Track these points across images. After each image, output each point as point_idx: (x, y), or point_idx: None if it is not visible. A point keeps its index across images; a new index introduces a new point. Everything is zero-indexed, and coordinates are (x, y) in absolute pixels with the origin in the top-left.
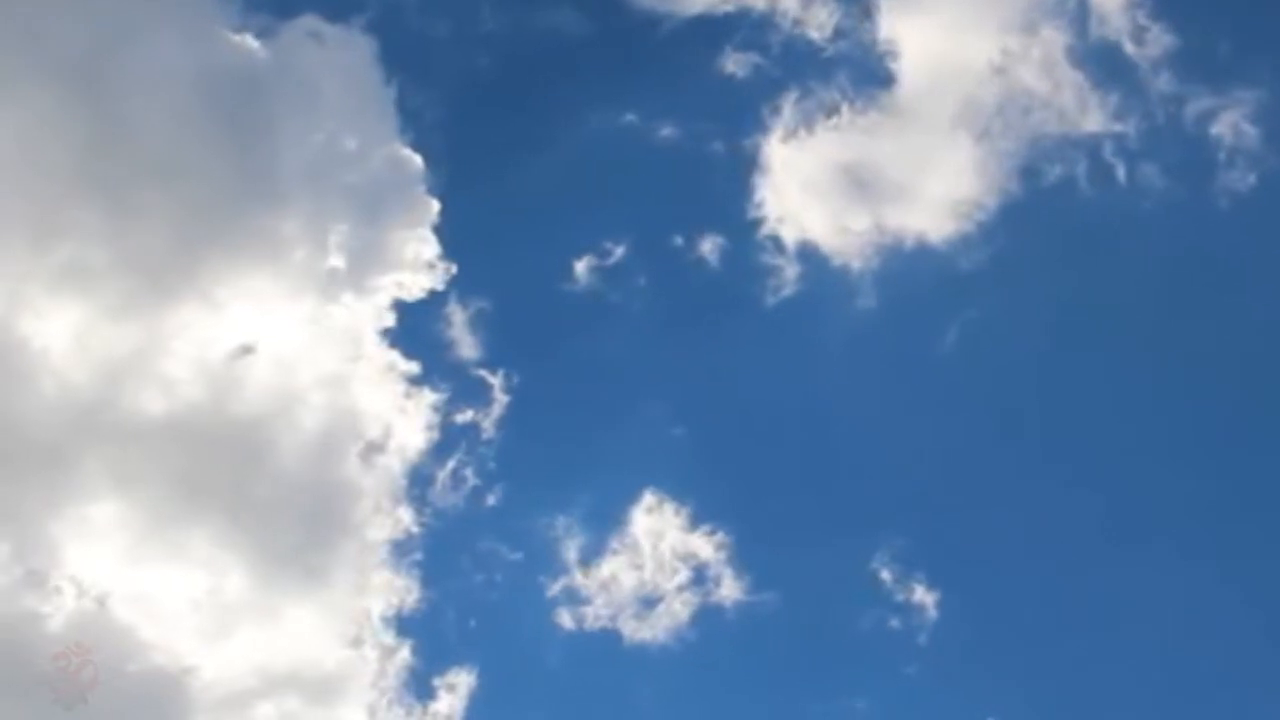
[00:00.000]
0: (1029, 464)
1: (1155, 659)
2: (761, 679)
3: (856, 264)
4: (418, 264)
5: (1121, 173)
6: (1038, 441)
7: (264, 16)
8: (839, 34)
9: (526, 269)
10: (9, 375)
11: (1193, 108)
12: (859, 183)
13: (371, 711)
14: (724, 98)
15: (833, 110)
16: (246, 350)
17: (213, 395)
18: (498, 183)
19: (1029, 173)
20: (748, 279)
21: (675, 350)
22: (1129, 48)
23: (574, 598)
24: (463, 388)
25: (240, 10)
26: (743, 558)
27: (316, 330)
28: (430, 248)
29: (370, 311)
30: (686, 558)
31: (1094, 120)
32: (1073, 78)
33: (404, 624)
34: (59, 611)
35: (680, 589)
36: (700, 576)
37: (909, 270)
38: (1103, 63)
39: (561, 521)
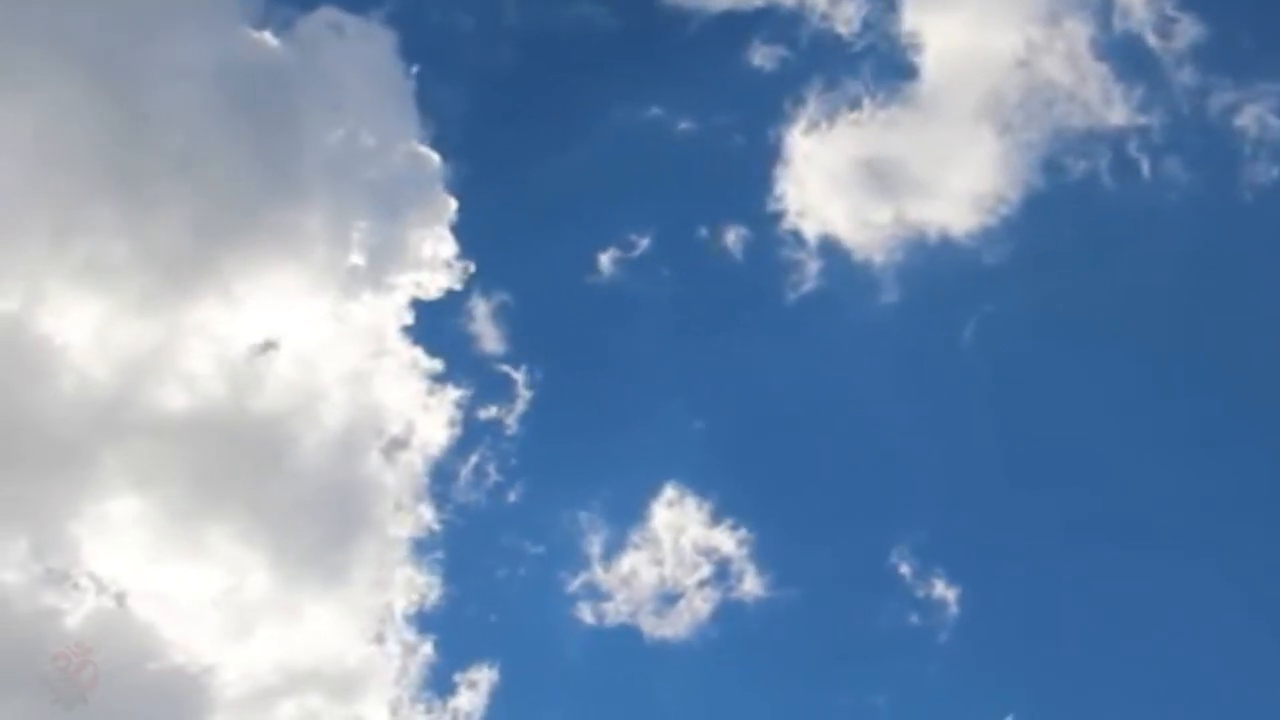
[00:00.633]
0: (1052, 460)
1: (1180, 658)
2: (782, 675)
3: (879, 258)
4: (436, 262)
5: (1145, 166)
6: (1060, 437)
7: (284, 9)
8: (866, 26)
9: (550, 263)
10: (28, 371)
11: (1216, 100)
12: (882, 176)
13: (394, 708)
14: (749, 91)
15: (856, 103)
16: (267, 347)
17: (233, 392)
18: (522, 176)
19: (1052, 166)
20: (771, 272)
21: (698, 343)
22: (1153, 40)
23: (595, 593)
24: (485, 384)
25: (261, 2)
26: (764, 553)
27: (338, 326)
28: (449, 246)
29: (392, 308)
30: (708, 552)
31: (1118, 113)
32: (1096, 70)
33: (426, 621)
34: (78, 609)
35: (701, 584)
36: (722, 572)
37: (931, 264)
38: (1126, 55)
39: (583, 516)
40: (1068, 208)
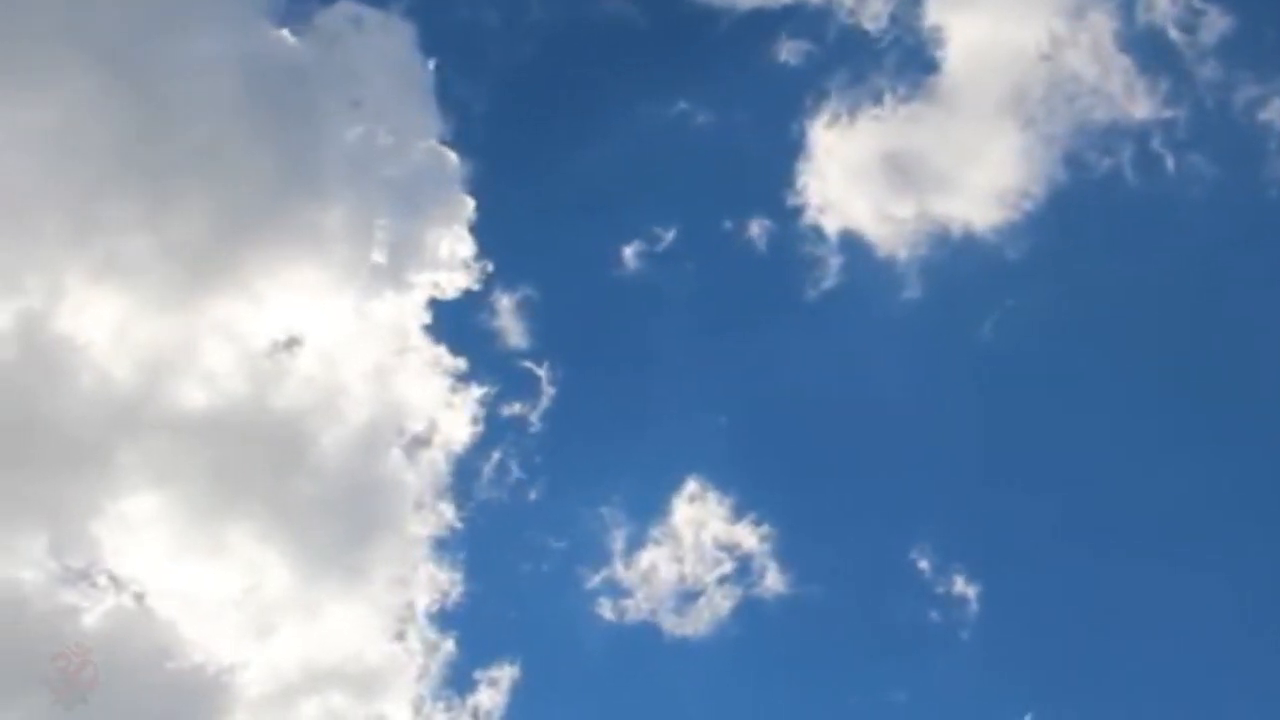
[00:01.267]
0: (1074, 457)
1: (1203, 659)
2: (803, 673)
3: (902, 253)
4: (454, 261)
5: (1169, 161)
6: (1083, 434)
7: (304, 2)
8: (893, 21)
9: (573, 257)
10: (48, 369)
11: (1241, 95)
12: (906, 170)
13: (416, 706)
14: (773, 85)
15: (879, 97)
16: (288, 344)
17: (254, 389)
18: (545, 170)
19: (1075, 161)
20: (794, 267)
21: (721, 337)
22: (1178, 33)
23: (616, 590)
24: (508, 380)
25: None
26: (786, 549)
27: (359, 324)
28: (470, 243)
29: (413, 305)
30: (730, 548)
31: (1142, 107)
32: (1120, 64)
33: (447, 618)
34: (97, 607)
35: (722, 581)
36: (744, 568)
37: (954, 260)
38: (1151, 49)
39: (605, 512)
40: (1091, 203)
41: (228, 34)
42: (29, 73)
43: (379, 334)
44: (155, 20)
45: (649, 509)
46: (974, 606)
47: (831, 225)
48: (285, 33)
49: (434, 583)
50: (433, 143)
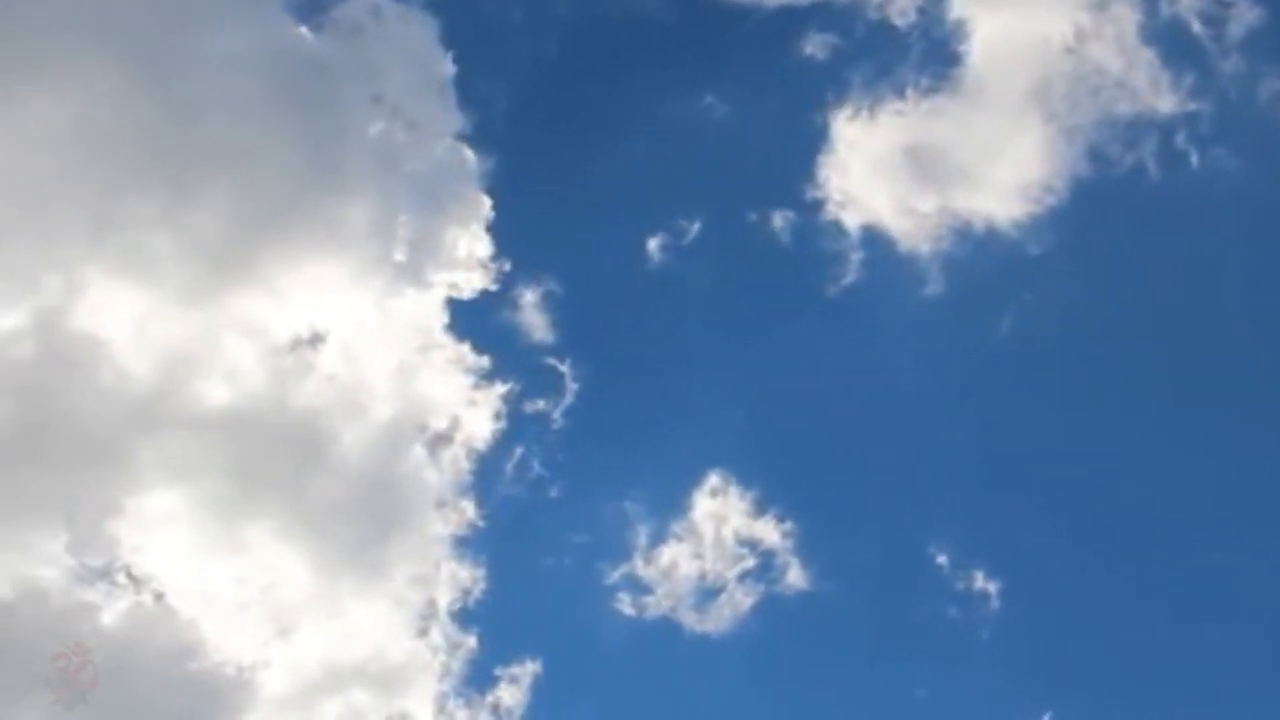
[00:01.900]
0: (1097, 454)
1: (1227, 658)
2: (824, 671)
3: (925, 247)
4: (472, 260)
5: (1194, 154)
6: (1106, 430)
7: None
8: (921, 14)
9: (596, 250)
10: (67, 365)
11: (1266, 88)
12: (929, 164)
13: (438, 704)
14: (798, 78)
15: (903, 91)
16: (310, 340)
17: (275, 386)
18: (569, 164)
19: (1099, 155)
20: (817, 260)
21: (745, 330)
22: (1203, 27)
23: (638, 587)
24: (531, 377)
25: None
26: (807, 545)
27: (380, 321)
28: (490, 240)
29: (434, 302)
30: (751, 543)
31: (1166, 101)
32: (1145, 57)
33: (469, 616)
34: (117, 606)
35: (742, 577)
36: (766, 564)
37: (976, 254)
38: (1175, 42)
39: (628, 507)
40: (1114, 197)
41: (248, 28)
42: (49, 68)
43: (401, 331)
44: (176, 15)
45: (670, 504)
46: (995, 604)
47: (854, 219)
48: (305, 27)
49: (456, 580)
50: (453, 139)
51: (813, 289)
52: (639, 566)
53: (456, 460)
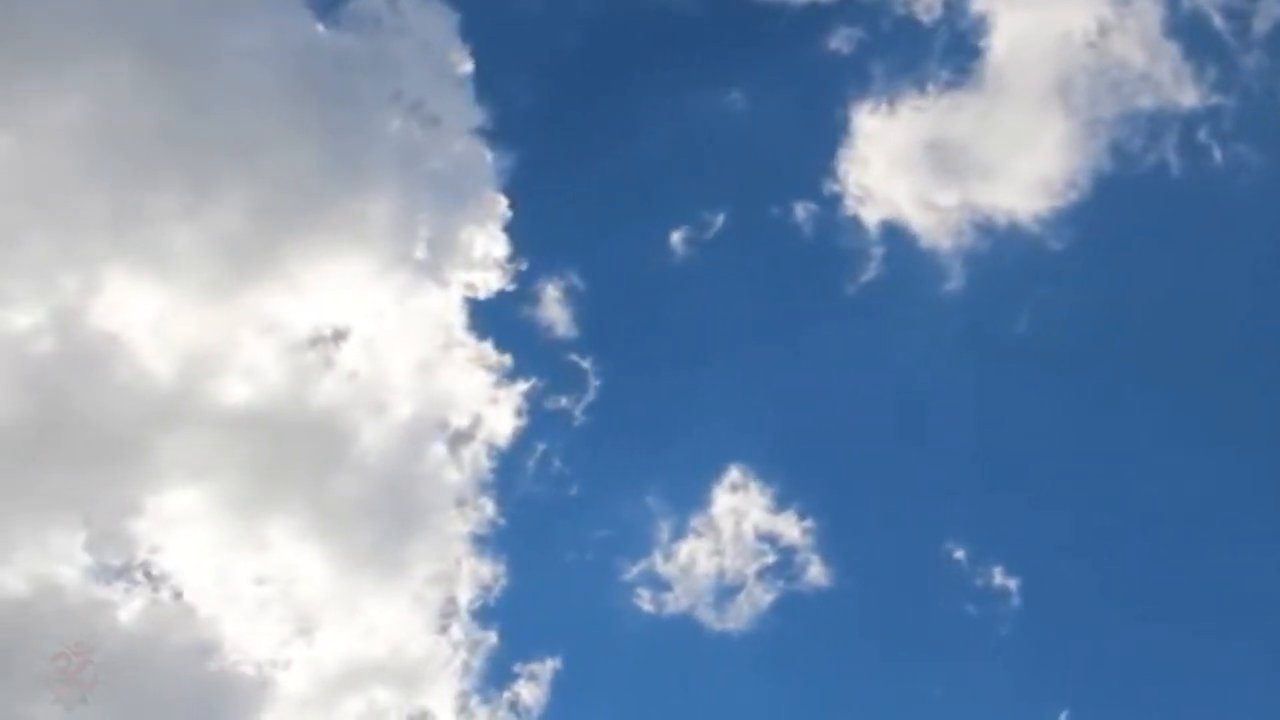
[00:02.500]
0: (1121, 450)
1: (1250, 658)
2: (842, 669)
3: (946, 242)
4: (488, 260)
5: (1216, 149)
6: (1128, 426)
7: None
8: (947, 8)
9: (618, 245)
10: (86, 362)
11: None
12: (950, 159)
13: (459, 701)
14: (823, 74)
15: (925, 85)
16: (330, 337)
17: (296, 383)
18: (591, 159)
19: (1121, 150)
20: (838, 255)
21: (766, 324)
22: (1226, 21)
23: (658, 583)
24: (553, 374)
25: None
26: (827, 542)
27: (401, 318)
28: (509, 238)
29: (456, 298)
30: (771, 539)
31: (1189, 96)
32: (1167, 51)
33: (490, 613)
34: (136, 604)
35: (762, 573)
36: (786, 561)
37: (997, 248)
38: (1198, 36)
39: (649, 502)
40: (1136, 192)
41: (267, 24)
42: (69, 64)
43: (422, 328)
44: (195, 11)
45: (690, 499)
46: (1015, 601)
47: (876, 214)
48: (323, 22)
49: (476, 577)
50: (472, 135)
51: (834, 283)
52: (658, 563)
53: (477, 458)
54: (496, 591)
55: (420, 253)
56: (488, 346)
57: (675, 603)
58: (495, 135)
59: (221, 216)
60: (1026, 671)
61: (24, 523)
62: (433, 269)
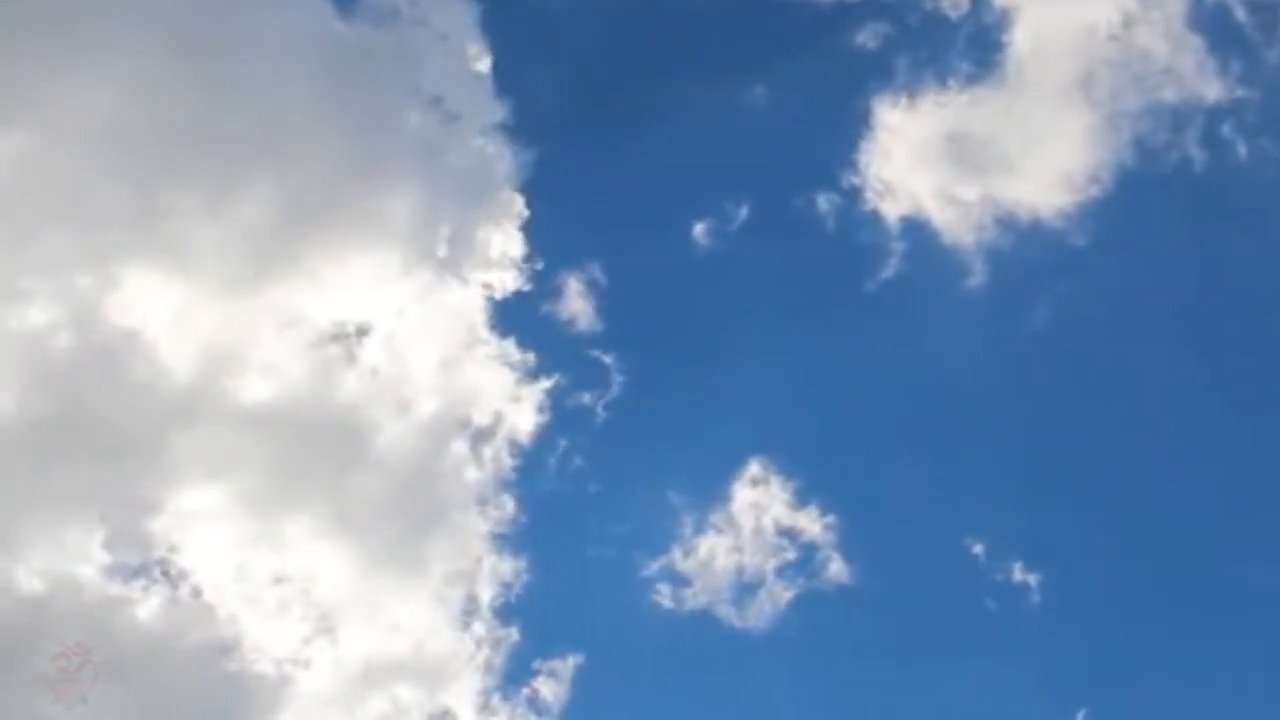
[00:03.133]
0: (1142, 447)
1: (1272, 658)
2: (862, 664)
3: (968, 237)
4: (506, 259)
5: (1241, 144)
6: (1149, 423)
7: None
8: (975, 3)
9: (642, 237)
10: (104, 358)
11: None
12: (972, 152)
13: (481, 698)
14: (846, 68)
15: (947, 79)
16: (351, 334)
17: (316, 380)
18: (614, 153)
19: (1144, 144)
20: (860, 248)
21: (789, 317)
22: (1250, 13)
23: (678, 580)
24: (576, 370)
25: None
26: (849, 538)
27: (424, 314)
28: (525, 234)
29: (477, 296)
30: (792, 534)
31: (1213, 89)
32: (1192, 44)
33: (511, 610)
34: (153, 602)
35: (783, 569)
36: (807, 557)
37: (1019, 243)
38: (1223, 28)
39: (670, 498)
40: (1160, 187)
41: (286, 18)
42: (88, 58)
43: (444, 325)
44: (215, 4)
45: (711, 493)
46: (1035, 597)
47: (897, 209)
48: (343, 16)
49: (497, 575)
50: (492, 131)
51: (855, 278)
52: (678, 559)
53: (498, 455)
54: (517, 588)
55: (441, 249)
56: (510, 344)
57: (695, 599)
58: (514, 131)
59: (241, 212)
60: (1045, 668)
61: (41, 520)
62: (454, 266)
